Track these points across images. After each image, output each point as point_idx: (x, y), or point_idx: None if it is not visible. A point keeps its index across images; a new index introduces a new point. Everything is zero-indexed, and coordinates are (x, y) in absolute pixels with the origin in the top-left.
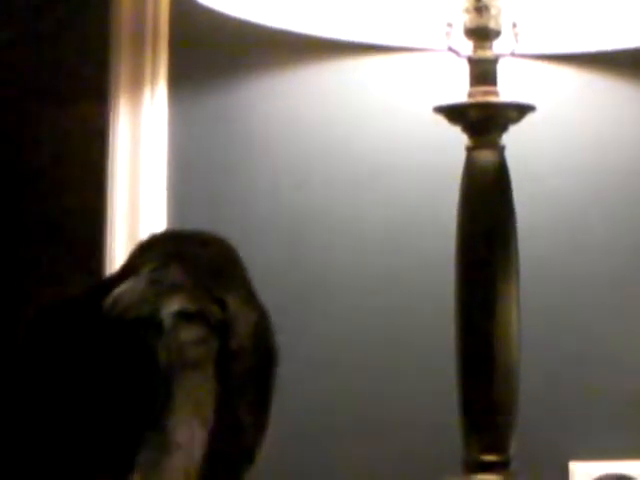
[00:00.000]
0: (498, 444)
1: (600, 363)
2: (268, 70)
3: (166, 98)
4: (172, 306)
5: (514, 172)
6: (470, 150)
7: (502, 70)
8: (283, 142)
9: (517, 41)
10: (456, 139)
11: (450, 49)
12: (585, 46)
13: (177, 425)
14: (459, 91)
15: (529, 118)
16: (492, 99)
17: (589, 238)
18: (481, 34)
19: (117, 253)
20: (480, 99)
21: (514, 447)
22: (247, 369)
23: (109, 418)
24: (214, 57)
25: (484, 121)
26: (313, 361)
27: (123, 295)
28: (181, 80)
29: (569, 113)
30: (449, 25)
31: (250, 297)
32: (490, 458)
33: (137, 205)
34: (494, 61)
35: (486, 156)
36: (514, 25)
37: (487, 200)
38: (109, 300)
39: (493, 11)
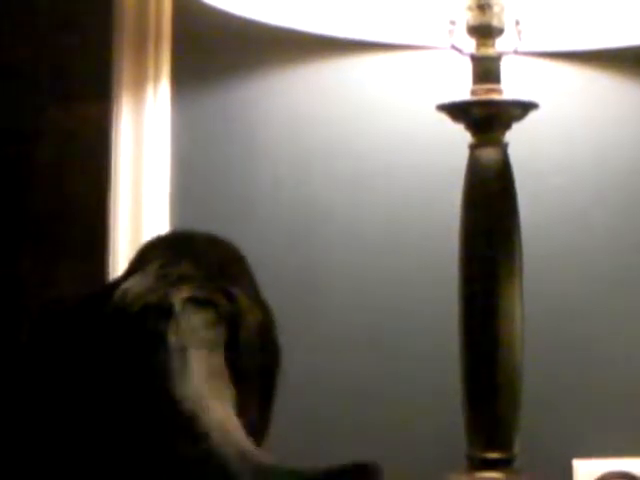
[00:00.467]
0: (502, 442)
1: (603, 361)
2: (270, 68)
3: (169, 96)
4: (181, 293)
5: (517, 170)
6: (473, 148)
7: (505, 68)
8: (285, 140)
9: (520, 39)
10: (459, 137)
11: (453, 47)
12: (588, 44)
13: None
14: (462, 89)
15: (532, 116)
16: (495, 97)
17: (591, 236)
18: (484, 32)
19: (120, 251)
20: (483, 97)
21: (518, 445)
22: (254, 366)
23: (120, 408)
24: (216, 55)
25: (487, 119)
26: (314, 360)
27: (132, 287)
28: (184, 78)
29: (572, 111)
30: (452, 23)
31: (257, 295)
32: (494, 455)
33: (140, 202)
34: (497, 59)
35: (489, 154)
36: (517, 23)
37: (490, 198)
38: (118, 292)
39: (496, 9)
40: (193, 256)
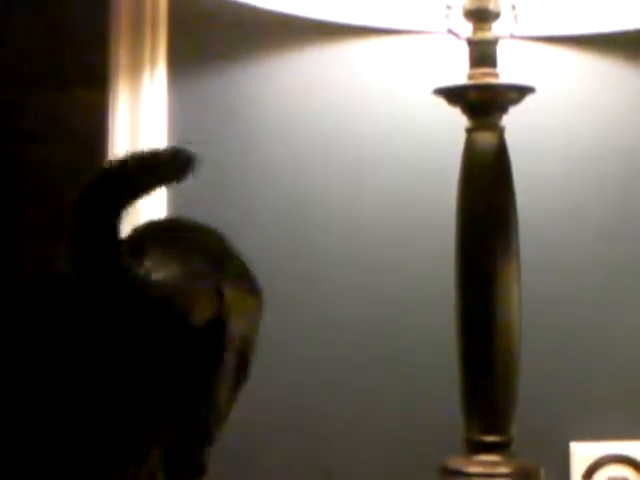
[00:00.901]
0: (499, 425)
1: (600, 346)
2: (266, 53)
3: (165, 81)
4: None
5: (513, 153)
6: (470, 132)
7: (502, 52)
8: (281, 124)
9: (516, 23)
10: (456, 121)
11: (450, 31)
12: (584, 28)
13: None
14: (459, 73)
15: (529, 100)
16: (492, 80)
17: (587, 220)
18: (480, 16)
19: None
20: (480, 81)
21: (515, 428)
22: (236, 356)
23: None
24: (212, 40)
25: (484, 103)
26: (312, 348)
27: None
28: (180, 64)
29: (569, 95)
30: (448, 7)
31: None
32: (491, 439)
33: None
34: (494, 43)
35: (486, 138)
36: (513, 7)
37: (487, 181)
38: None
39: None
40: (199, 249)
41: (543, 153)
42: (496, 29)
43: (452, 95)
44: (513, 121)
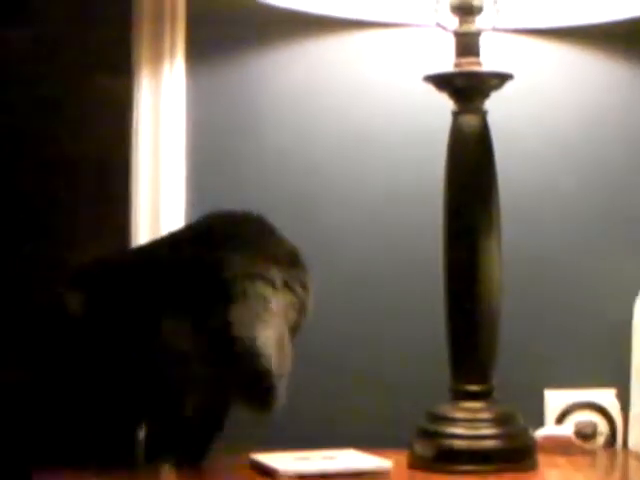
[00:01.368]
0: (481, 376)
1: (571, 304)
2: (275, 44)
3: (184, 70)
4: (278, 274)
5: (495, 134)
6: (456, 115)
7: (485, 43)
8: (290, 109)
9: (498, 16)
10: (444, 105)
11: (438, 24)
12: (562, 21)
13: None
14: (446, 62)
15: (509, 88)
16: (475, 68)
17: (561, 193)
18: (465, 10)
19: (141, 208)
20: (465, 69)
21: (495, 378)
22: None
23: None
24: (227, 33)
25: (468, 88)
26: (324, 305)
27: (236, 258)
28: (197, 54)
29: (547, 83)
30: (437, 2)
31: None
32: (474, 388)
33: (158, 167)
34: (477, 34)
35: (470, 120)
36: (495, 2)
37: (471, 159)
38: (221, 260)
39: None
40: (273, 239)
41: (521, 133)
42: (479, 22)
43: (440, 82)
44: (496, 107)
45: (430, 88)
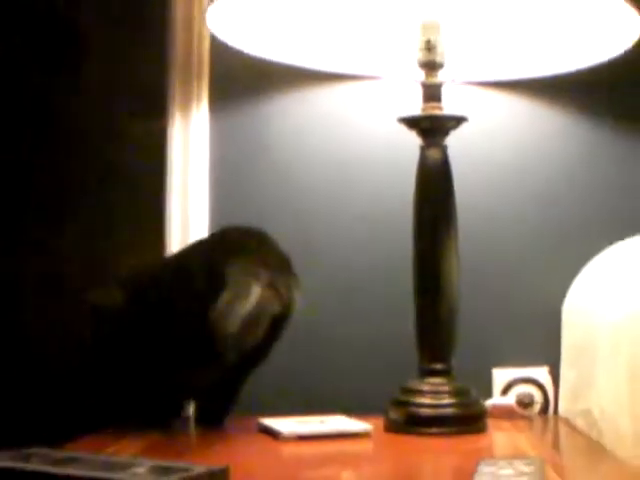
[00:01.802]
0: (442, 356)
1: (516, 296)
2: (280, 93)
3: (207, 113)
4: (264, 279)
5: (454, 164)
6: (423, 149)
7: (446, 92)
8: (291, 144)
9: (456, 71)
10: (413, 141)
11: (409, 77)
12: (507, 75)
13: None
14: (415, 107)
15: (465, 127)
16: (438, 112)
17: (506, 209)
18: (430, 66)
19: (173, 225)
20: (429, 112)
21: (454, 359)
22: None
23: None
24: (242, 83)
25: (432, 128)
26: (321, 304)
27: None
28: (219, 100)
29: (494, 124)
30: (408, 60)
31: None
32: (437, 366)
33: (187, 190)
34: (439, 85)
35: (434, 153)
36: (454, 60)
37: (435, 184)
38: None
39: (439, 49)
40: (267, 248)
41: (475, 163)
42: (441, 76)
43: (410, 122)
44: (455, 143)
45: (402, 127)
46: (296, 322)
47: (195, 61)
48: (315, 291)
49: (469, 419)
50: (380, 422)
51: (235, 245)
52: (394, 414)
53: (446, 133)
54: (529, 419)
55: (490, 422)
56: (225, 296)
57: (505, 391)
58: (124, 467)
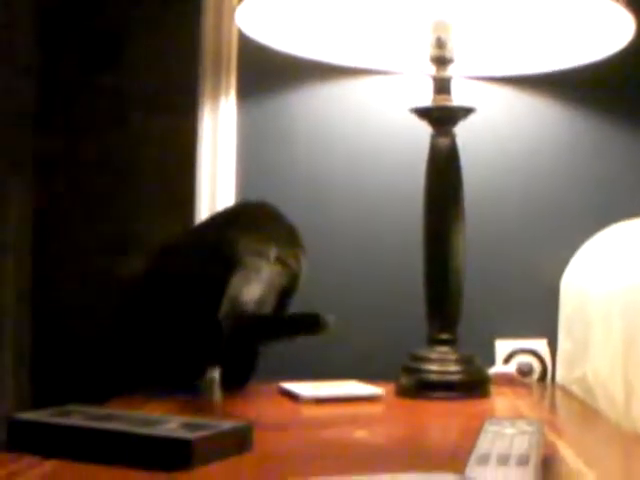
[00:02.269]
0: (449, 327)
1: (518, 272)
2: (303, 86)
3: (235, 106)
4: (273, 251)
5: (462, 151)
6: (433, 137)
7: (455, 85)
8: (313, 134)
9: (465, 66)
10: (424, 130)
11: (422, 71)
12: (510, 71)
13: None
14: (426, 98)
15: (472, 117)
16: (447, 103)
17: (509, 193)
18: (440, 61)
19: (202, 209)
20: (439, 103)
21: (460, 330)
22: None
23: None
24: (267, 77)
25: (442, 118)
26: (325, 264)
27: (242, 239)
28: (245, 94)
29: (500, 116)
30: (421, 56)
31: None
32: (444, 336)
33: (215, 178)
34: (449, 80)
35: (444, 141)
36: (462, 56)
37: (444, 169)
38: (227, 243)
39: (448, 46)
40: (276, 222)
41: (480, 151)
42: (451, 70)
43: (422, 113)
44: (463, 132)
45: (415, 118)
46: (314, 295)
47: (224, 57)
48: (335, 269)
49: (473, 385)
50: (391, 387)
51: (247, 220)
52: (404, 380)
53: (455, 123)
54: (528, 386)
55: (493, 389)
56: (235, 279)
57: (507, 360)
58: (157, 423)
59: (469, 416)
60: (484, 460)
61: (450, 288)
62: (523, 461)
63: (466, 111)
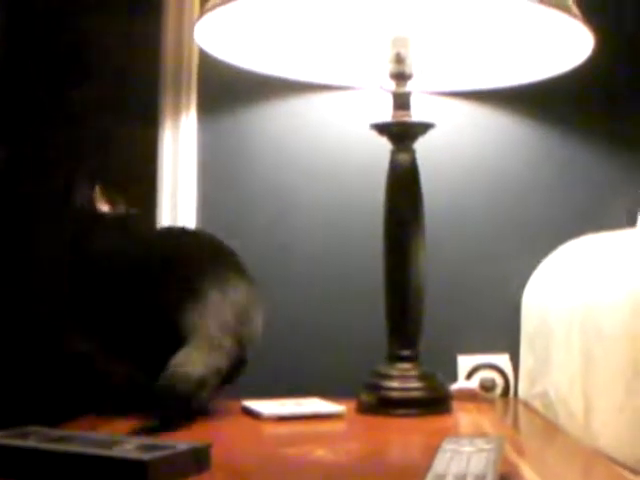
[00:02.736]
0: (410, 344)
1: (480, 290)
2: (261, 102)
3: (195, 121)
4: None
5: (421, 167)
6: (393, 153)
7: (414, 101)
8: (272, 149)
9: (423, 82)
10: (384, 145)
11: (381, 87)
12: (470, 86)
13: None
14: (386, 114)
15: (431, 133)
16: (407, 119)
17: (469, 208)
18: (400, 77)
19: (163, 222)
20: (399, 119)
21: (421, 346)
22: None
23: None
24: (227, 93)
25: (401, 133)
26: (286, 297)
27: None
28: (206, 109)
29: (458, 130)
30: (379, 71)
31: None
32: (405, 353)
33: (177, 191)
34: (408, 95)
35: (403, 156)
36: (421, 72)
37: (404, 185)
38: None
39: (407, 61)
40: (231, 293)
41: (439, 165)
42: (410, 86)
43: (381, 128)
44: (422, 147)
45: (374, 133)
46: (279, 317)
47: (185, 73)
48: (296, 285)
49: (434, 401)
50: (352, 404)
51: (197, 290)
52: (365, 397)
53: (414, 138)
54: (491, 402)
55: (455, 404)
56: (179, 358)
57: (469, 376)
58: (114, 444)
59: (430, 433)
60: None
61: (410, 304)
62: None
63: (425, 127)
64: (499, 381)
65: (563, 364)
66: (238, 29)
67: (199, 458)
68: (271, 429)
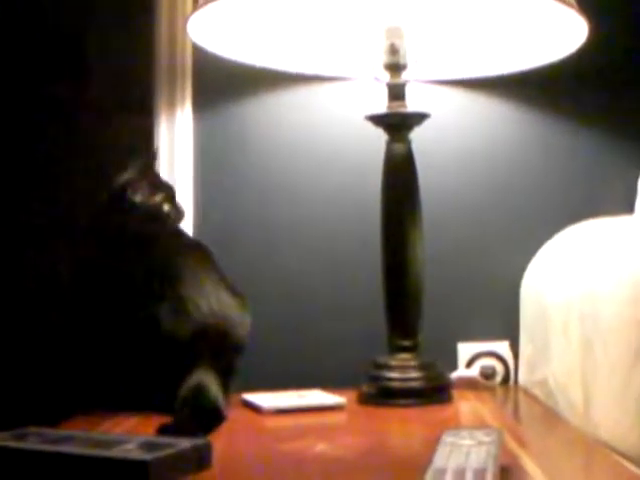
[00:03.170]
0: (410, 333)
1: (479, 278)
2: (256, 94)
3: (191, 114)
4: None
5: (417, 156)
6: (389, 143)
7: (409, 90)
8: (266, 139)
9: (418, 72)
10: (380, 136)
11: (375, 78)
12: (464, 74)
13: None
14: (381, 105)
15: (427, 122)
16: (402, 110)
17: (466, 196)
18: (394, 68)
19: None
20: (394, 110)
21: (421, 335)
22: None
23: None
24: (222, 85)
25: (397, 124)
26: (282, 288)
27: None
28: (201, 101)
29: (452, 119)
30: (374, 62)
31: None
32: (405, 343)
33: (174, 184)
34: (403, 85)
35: (399, 147)
36: (416, 61)
37: (400, 175)
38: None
39: (402, 52)
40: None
41: (435, 155)
42: (405, 76)
43: (377, 119)
44: (417, 135)
45: (370, 124)
46: (278, 308)
47: (179, 67)
48: (295, 275)
49: (434, 391)
50: (354, 395)
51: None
52: (366, 387)
53: (410, 129)
54: (491, 389)
55: (456, 392)
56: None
57: (469, 364)
58: (115, 444)
59: (430, 423)
60: (440, 475)
61: (409, 294)
62: (479, 475)
63: (421, 117)
64: (499, 369)
65: (562, 352)
66: (231, 22)
67: (200, 455)
68: (271, 422)
